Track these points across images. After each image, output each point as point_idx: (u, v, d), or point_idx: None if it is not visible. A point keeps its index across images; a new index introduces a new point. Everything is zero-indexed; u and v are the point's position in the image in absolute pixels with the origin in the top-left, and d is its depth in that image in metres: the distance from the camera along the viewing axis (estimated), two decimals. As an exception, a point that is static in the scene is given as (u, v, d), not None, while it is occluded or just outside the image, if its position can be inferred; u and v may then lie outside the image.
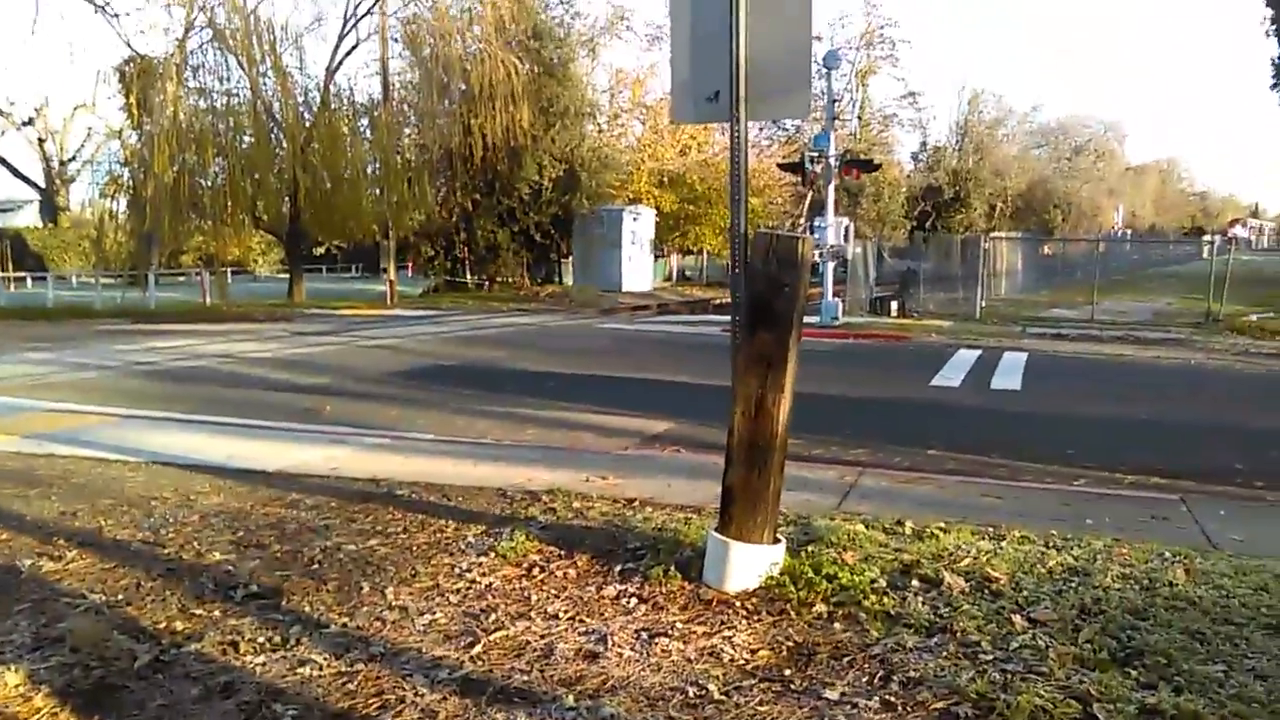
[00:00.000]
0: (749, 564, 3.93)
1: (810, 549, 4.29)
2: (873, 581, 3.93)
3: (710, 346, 16.64)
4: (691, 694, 3.04)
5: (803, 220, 41.52)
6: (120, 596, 3.94)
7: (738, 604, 3.78)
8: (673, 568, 4.09)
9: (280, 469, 6.55)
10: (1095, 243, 40.56)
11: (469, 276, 34.37)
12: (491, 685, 3.11)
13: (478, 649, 3.40)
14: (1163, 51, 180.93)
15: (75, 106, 47.06)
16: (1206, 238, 55.43)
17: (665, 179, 39.15)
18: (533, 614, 3.73)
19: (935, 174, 56.64)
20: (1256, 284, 30.20)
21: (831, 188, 21.71)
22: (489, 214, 32.04)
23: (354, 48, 30.09)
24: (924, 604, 3.73)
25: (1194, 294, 27.32)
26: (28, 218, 52.30)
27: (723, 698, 3.01)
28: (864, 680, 3.12)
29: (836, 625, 3.58)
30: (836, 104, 24.27)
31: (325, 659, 3.32)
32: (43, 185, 50.31)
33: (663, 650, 3.38)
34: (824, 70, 23.24)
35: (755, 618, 3.67)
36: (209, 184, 26.68)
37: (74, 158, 50.29)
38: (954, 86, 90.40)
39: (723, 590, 3.90)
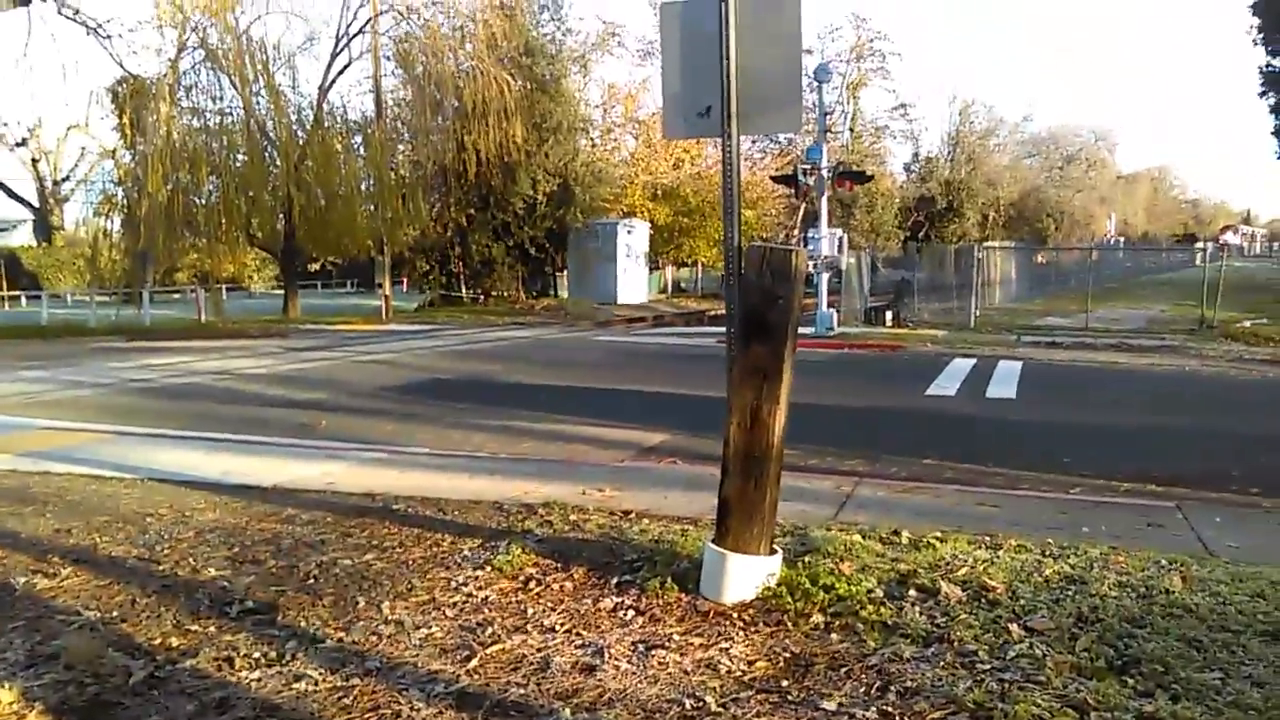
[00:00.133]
0: (746, 575, 3.93)
1: (807, 560, 4.29)
2: (870, 592, 3.93)
3: (706, 358, 16.65)
4: (689, 706, 3.03)
5: (797, 232, 41.67)
6: (115, 613, 3.93)
7: (735, 615, 3.78)
8: (669, 580, 4.08)
9: (276, 484, 6.54)
10: (1088, 251, 40.71)
11: (464, 291, 34.41)
12: (488, 699, 3.10)
13: (474, 663, 3.39)
14: (1154, 60, 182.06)
15: (69, 127, 47.05)
16: (1199, 245, 55.65)
17: (659, 192, 39.27)
18: (529, 627, 3.72)
19: (928, 184, 56.86)
20: (1249, 290, 30.34)
21: (825, 199, 21.76)
22: (483, 228, 32.11)
23: (347, 66, 30.25)
24: (921, 614, 3.73)
25: (1187, 301, 27.43)
26: (22, 237, 52.31)
27: (720, 709, 3.01)
28: (861, 691, 3.12)
29: (834, 636, 3.57)
30: (828, 116, 24.33)
31: (321, 674, 3.31)
32: (37, 205, 50.31)
33: (660, 662, 3.38)
34: (815, 83, 23.38)
35: (752, 629, 3.66)
36: (203, 202, 26.75)
37: (68, 177, 50.34)
38: (945, 97, 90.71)
39: (720, 602, 3.90)
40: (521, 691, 3.16)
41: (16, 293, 39.51)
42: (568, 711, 3.00)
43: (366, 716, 3.00)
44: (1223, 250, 23.94)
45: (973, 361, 15.90)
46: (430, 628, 3.74)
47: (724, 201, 4.82)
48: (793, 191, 24.60)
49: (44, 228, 50.29)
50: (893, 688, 3.12)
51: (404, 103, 31.30)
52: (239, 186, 26.60)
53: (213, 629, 3.75)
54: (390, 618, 3.85)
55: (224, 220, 26.47)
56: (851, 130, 48.54)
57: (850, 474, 7.14)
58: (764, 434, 3.88)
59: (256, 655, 3.48)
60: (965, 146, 58.78)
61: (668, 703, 3.06)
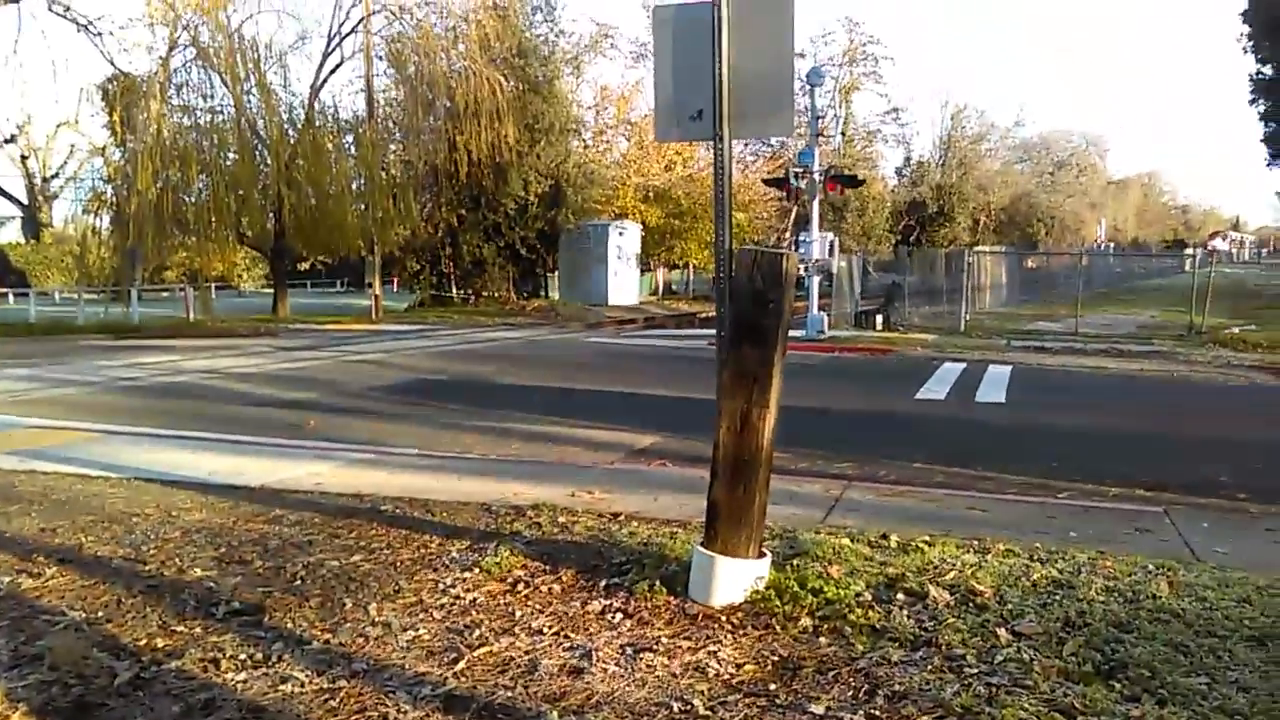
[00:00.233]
0: (734, 578, 3.93)
1: (796, 563, 4.29)
2: (858, 595, 3.93)
3: (696, 360, 16.65)
4: (676, 709, 3.03)
5: (788, 235, 41.75)
6: (100, 613, 3.90)
7: (723, 618, 3.78)
8: (658, 583, 4.07)
9: (264, 484, 6.51)
10: (1078, 256, 40.87)
11: (455, 291, 34.38)
12: (475, 702, 3.09)
13: (461, 665, 3.38)
14: (1145, 67, 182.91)
15: (58, 124, 46.86)
16: (1188, 251, 55.92)
17: (651, 194, 39.29)
18: (517, 629, 3.71)
19: (919, 189, 57.03)
20: (1238, 296, 30.49)
21: (816, 203, 21.80)
22: (474, 229, 32.08)
23: (338, 65, 30.15)
24: (909, 617, 3.73)
25: (1177, 307, 27.55)
26: (10, 234, 52.12)
27: (708, 713, 3.00)
28: (849, 694, 3.12)
29: (822, 639, 3.57)
30: (820, 120, 24.39)
31: (307, 676, 3.29)
32: (25, 202, 50.10)
33: (648, 665, 3.37)
34: (807, 87, 23.39)
35: (740, 632, 3.66)
36: (193, 200, 26.63)
37: (57, 174, 50.16)
38: (937, 102, 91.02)
39: (708, 605, 3.89)
40: (509, 694, 3.15)
41: (4, 290, 39.29)
42: (555, 714, 2.99)
43: (353, 718, 2.99)
44: (1212, 256, 24.06)
45: (963, 366, 15.94)
46: (418, 629, 3.72)
47: (715, 204, 4.82)
48: (784, 195, 24.62)
49: (32, 225, 50.08)
50: (880, 691, 3.12)
51: (396, 103, 31.25)
52: (229, 185, 26.48)
53: (199, 630, 3.73)
54: (377, 619, 3.83)
55: (214, 218, 26.35)
56: (843, 134, 48.69)
57: (839, 477, 7.15)
58: (754, 437, 3.88)
59: (243, 656, 3.46)
60: (957, 151, 58.99)
61: (655, 705, 3.05)
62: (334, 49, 29.51)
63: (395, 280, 38.64)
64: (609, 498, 6.10)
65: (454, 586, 4.21)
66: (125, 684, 3.23)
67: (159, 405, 11.44)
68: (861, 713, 2.98)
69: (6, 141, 46.79)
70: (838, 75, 47.62)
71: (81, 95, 36.10)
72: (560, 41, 35.32)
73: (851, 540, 4.80)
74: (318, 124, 29.18)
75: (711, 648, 3.51)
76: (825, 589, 3.94)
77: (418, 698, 3.13)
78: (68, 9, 26.84)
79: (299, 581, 4.32)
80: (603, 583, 4.20)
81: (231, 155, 27.10)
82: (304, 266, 43.24)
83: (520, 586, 4.20)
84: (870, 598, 3.92)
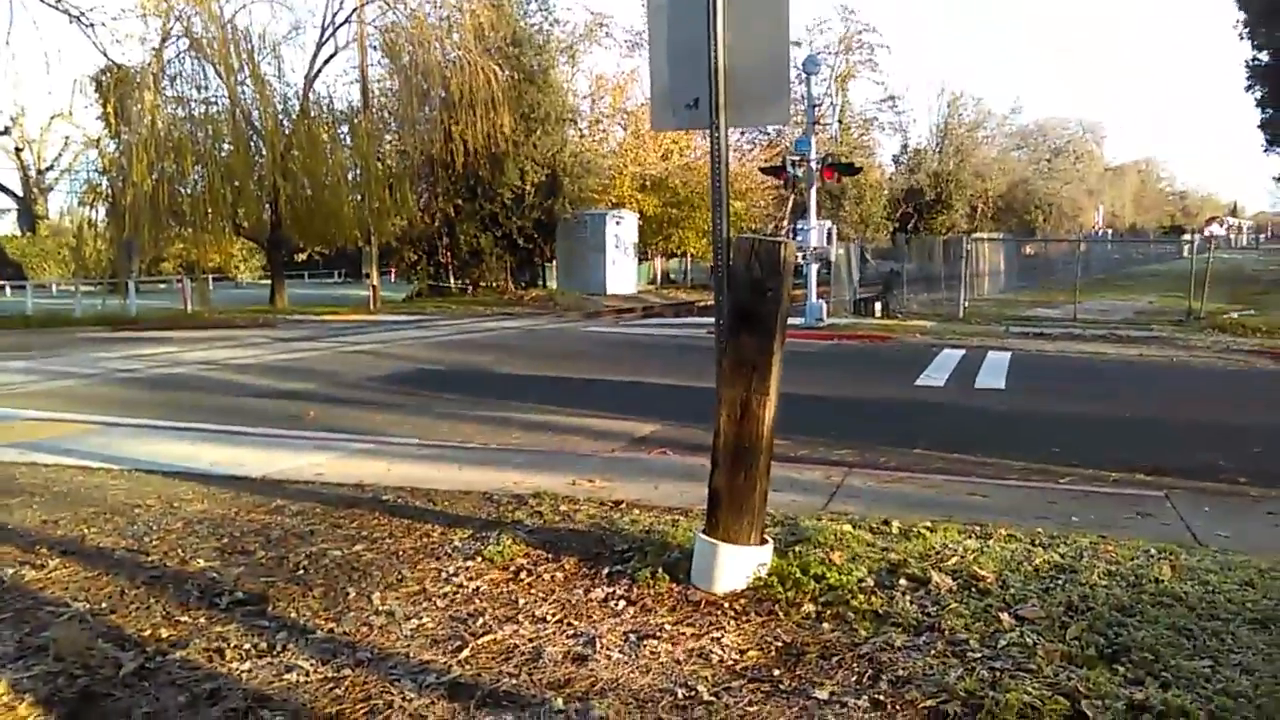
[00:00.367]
0: (737, 565, 3.93)
1: (798, 549, 4.29)
2: (860, 581, 3.93)
3: (695, 349, 16.65)
4: (680, 695, 3.03)
5: (785, 223, 41.68)
6: (104, 605, 3.90)
7: (726, 605, 3.78)
8: (660, 570, 4.08)
9: (265, 475, 6.51)
10: (1076, 243, 40.84)
11: (452, 281, 34.33)
12: (479, 689, 3.09)
13: (465, 653, 3.39)
14: (1143, 52, 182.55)
15: (52, 116, 46.75)
16: (1186, 236, 55.90)
17: (648, 183, 39.19)
18: (520, 617, 3.72)
19: (916, 176, 56.94)
20: (1236, 282, 30.47)
21: (813, 191, 21.78)
22: (472, 219, 32.02)
23: (332, 56, 30.09)
24: (912, 603, 3.74)
25: (1175, 292, 27.57)
26: (5, 226, 52.09)
27: (712, 699, 3.01)
28: (853, 679, 3.12)
29: (825, 625, 3.58)
30: (817, 108, 24.34)
31: (312, 665, 3.30)
32: (20, 194, 49.97)
33: (651, 652, 3.38)
34: (803, 75, 23.36)
35: (744, 618, 3.66)
36: (189, 191, 26.58)
37: (51, 166, 50.01)
38: (934, 89, 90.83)
39: (711, 592, 3.90)
40: (513, 681, 3.16)
41: (1, 283, 39.24)
42: (560, 701, 2.99)
43: (358, 707, 2.99)
44: (1209, 242, 24.05)
45: (961, 352, 15.95)
46: (421, 618, 3.73)
47: (712, 193, 4.80)
48: (781, 183, 24.66)
49: (28, 217, 49.97)
50: (884, 676, 3.12)
51: (391, 93, 31.18)
52: (225, 176, 26.42)
53: (202, 620, 3.73)
54: (381, 608, 3.84)
55: (210, 210, 26.29)
56: (840, 122, 48.54)
57: (840, 464, 7.15)
58: (754, 425, 3.88)
59: (247, 646, 3.47)
60: (954, 138, 58.87)
61: (659, 692, 3.06)
62: (328, 39, 29.45)
63: (393, 271, 38.61)
64: (610, 486, 6.10)
65: (457, 575, 4.22)
66: (130, 674, 3.23)
67: (158, 397, 11.43)
68: (865, 697, 2.98)
69: (1, 134, 46.65)
70: (834, 63, 47.55)
71: (75, 87, 36.08)
72: (555, 30, 35.24)
73: (853, 526, 4.81)
74: (313, 114, 29.10)
75: (715, 634, 3.51)
76: (828, 575, 3.95)
77: (422, 686, 3.13)
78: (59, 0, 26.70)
79: (302, 571, 4.32)
80: (605, 570, 4.21)
81: (226, 146, 27.04)
82: (301, 257, 43.21)
83: (523, 574, 4.21)
84: (873, 583, 3.93)
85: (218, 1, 26.13)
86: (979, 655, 3.26)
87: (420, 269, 34.20)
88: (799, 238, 21.68)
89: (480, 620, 3.69)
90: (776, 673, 3.19)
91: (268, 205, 28.64)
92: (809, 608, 3.72)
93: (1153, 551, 4.48)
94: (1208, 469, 7.19)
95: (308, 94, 29.17)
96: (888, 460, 7.49)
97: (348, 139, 29.98)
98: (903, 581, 3.97)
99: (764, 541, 4.06)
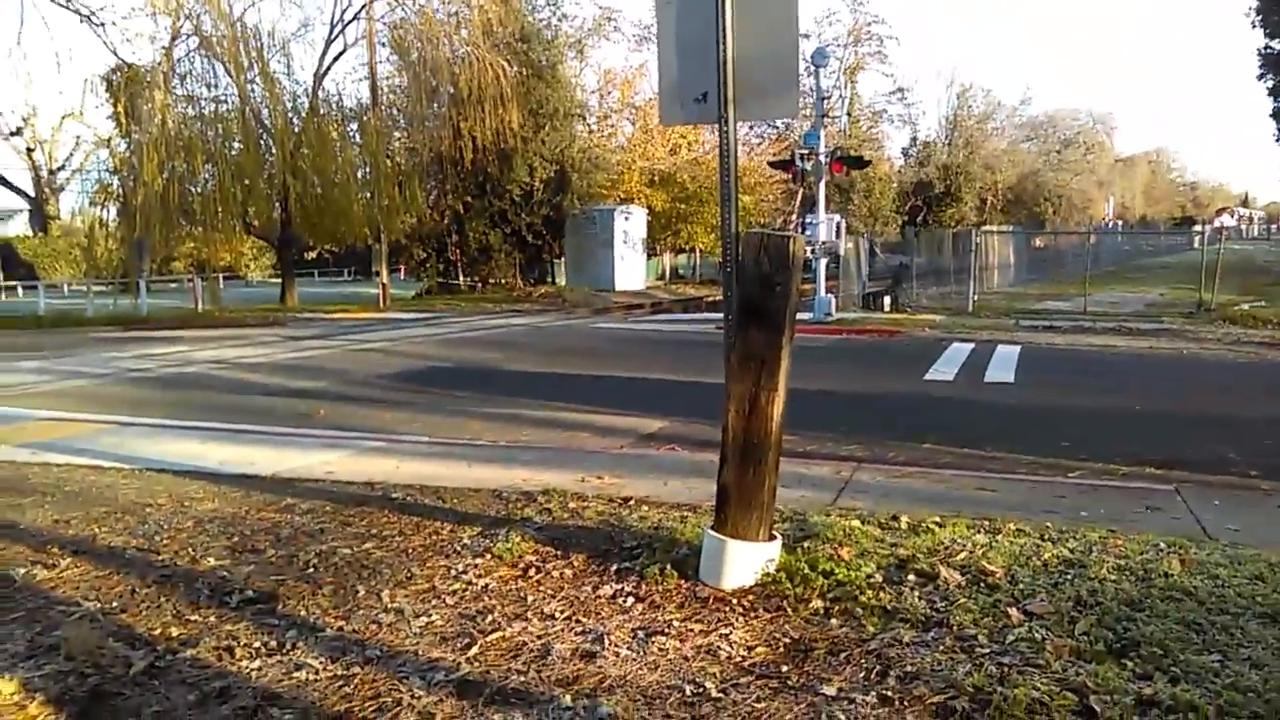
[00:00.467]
0: (745, 561, 3.93)
1: (806, 545, 4.29)
2: (869, 577, 3.93)
3: (704, 344, 16.65)
4: (689, 692, 3.04)
5: (794, 217, 41.61)
6: (115, 603, 3.93)
7: (734, 601, 3.78)
8: (669, 566, 4.08)
9: (275, 474, 6.53)
10: (1086, 235, 40.63)
11: (461, 278, 34.38)
12: (489, 686, 3.10)
13: (474, 650, 3.40)
14: (1154, 42, 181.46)
15: (63, 116, 46.94)
16: (1197, 228, 55.61)
17: (656, 178, 39.20)
18: (529, 614, 3.73)
19: (925, 169, 56.81)
20: (1248, 273, 30.34)
21: (822, 184, 21.73)
22: (480, 216, 32.07)
23: (341, 53, 30.15)
24: (920, 598, 3.73)
25: (1185, 284, 27.43)
26: (18, 227, 52.25)
27: (720, 695, 3.01)
28: (861, 675, 3.12)
29: (833, 621, 3.58)
30: (826, 101, 24.29)
31: (321, 663, 3.31)
32: (32, 194, 50.16)
33: (660, 649, 3.38)
34: (812, 68, 23.28)
35: (752, 615, 3.66)
36: (199, 190, 26.69)
37: (63, 167, 50.18)
38: (943, 81, 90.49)
39: (719, 588, 3.90)
40: (522, 679, 3.17)
41: (13, 283, 39.47)
42: (568, 698, 3.00)
43: (367, 705, 3.01)
44: (1220, 233, 23.91)
45: (971, 346, 15.91)
46: (430, 616, 3.74)
47: (721, 187, 4.80)
48: (790, 177, 24.55)
49: (40, 217, 50.19)
50: (892, 672, 3.12)
51: (399, 89, 31.23)
52: (235, 174, 26.51)
53: (213, 618, 3.75)
54: (390, 606, 3.85)
55: (220, 208, 26.39)
56: (849, 115, 48.45)
57: (849, 459, 7.15)
58: (762, 420, 3.88)
59: (257, 644, 3.48)
60: (963, 130, 58.70)
61: (668, 689, 3.06)
62: (337, 36, 29.52)
63: (402, 268, 38.68)
64: (619, 483, 6.11)
65: (466, 572, 4.23)
66: (140, 673, 3.25)
67: (169, 396, 11.49)
68: (873, 693, 2.98)
69: (12, 134, 46.86)
70: (842, 56, 47.36)
71: (86, 86, 36.11)
72: (563, 25, 35.26)
73: (862, 522, 4.81)
74: (322, 112, 29.17)
75: (723, 630, 3.52)
76: (836, 571, 3.95)
77: (431, 683, 3.14)
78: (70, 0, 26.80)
79: (311, 569, 4.34)
80: (614, 567, 4.21)
81: (236, 145, 27.14)
82: (311, 255, 43.35)
83: (532, 572, 4.22)
84: (881, 579, 3.92)
85: None
86: (987, 650, 3.25)
87: (429, 266, 34.27)
88: (808, 232, 21.62)
89: (489, 617, 3.70)
90: (784, 669, 3.19)
91: (278, 203, 28.74)
92: (817, 604, 3.72)
93: (1162, 546, 4.47)
94: (1218, 462, 7.16)
95: (317, 91, 29.25)
96: (896, 455, 7.48)
97: (357, 136, 30.06)
98: (911, 577, 3.96)
99: (772, 537, 4.06)
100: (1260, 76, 37.59)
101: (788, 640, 3.42)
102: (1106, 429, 8.79)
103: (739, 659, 3.28)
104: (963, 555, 4.25)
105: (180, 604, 3.91)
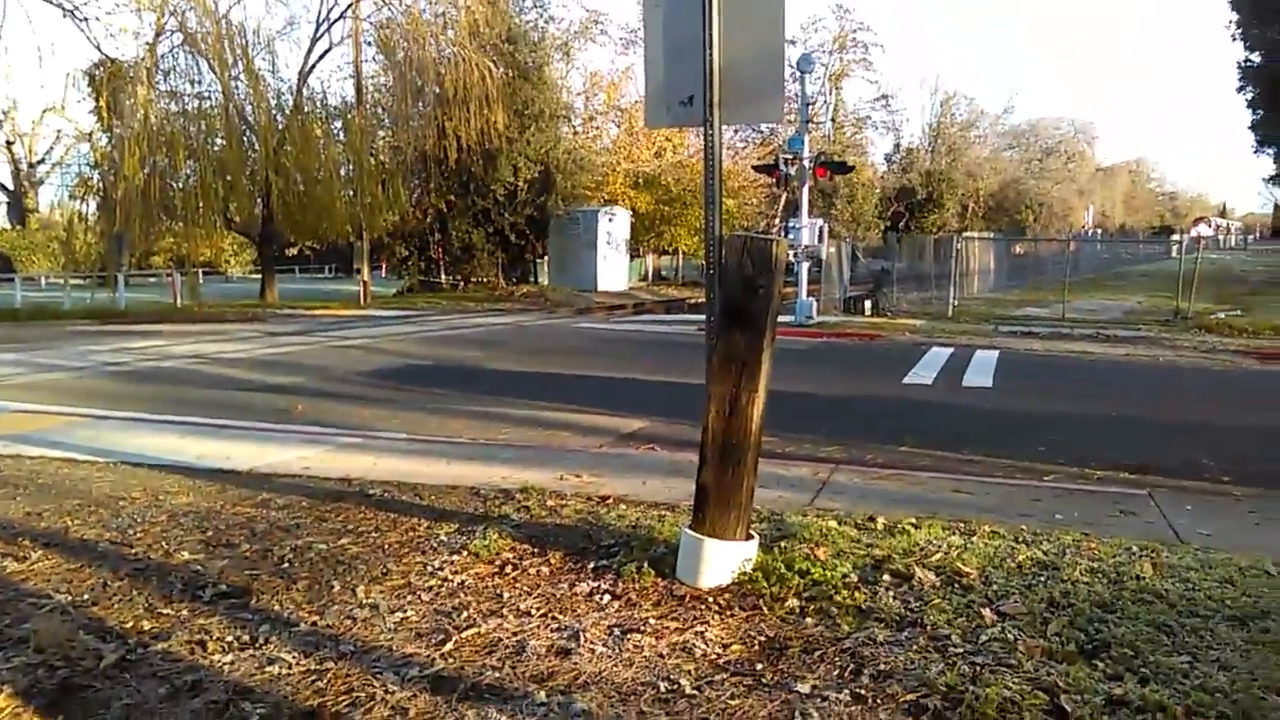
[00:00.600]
0: (722, 560, 3.94)
1: (783, 545, 4.31)
2: (844, 576, 3.94)
3: (685, 345, 16.67)
4: (663, 689, 3.04)
5: (778, 221, 41.72)
6: (86, 596, 3.89)
7: (711, 600, 3.79)
8: (646, 564, 4.08)
9: (251, 469, 6.50)
10: (1066, 242, 40.95)
11: (444, 277, 34.28)
12: (463, 682, 3.10)
13: (449, 646, 3.39)
14: (1136, 54, 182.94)
15: (44, 109, 46.61)
16: (1175, 237, 56.07)
17: (641, 180, 39.22)
18: (505, 611, 3.72)
19: (908, 175, 57.15)
20: (1224, 282, 30.61)
21: (806, 189, 21.79)
22: (464, 215, 31.99)
23: (327, 51, 30.01)
24: (895, 598, 3.75)
25: (1163, 292, 27.64)
26: (-4, 220, 51.74)
27: (694, 692, 3.02)
28: (835, 673, 3.14)
29: (808, 620, 3.59)
30: (810, 107, 24.32)
31: (294, 657, 3.29)
32: (11, 187, 49.78)
33: (635, 646, 3.38)
34: (798, 74, 23.37)
35: (728, 613, 3.67)
36: (180, 186, 26.51)
37: (43, 160, 49.86)
38: (927, 89, 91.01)
39: (696, 586, 3.91)
40: (497, 674, 3.16)
41: (-10, 276, 39.05)
42: (543, 694, 3.00)
43: (340, 700, 3.00)
44: (1198, 242, 24.12)
45: (950, 350, 16.00)
46: (405, 611, 3.73)
47: (706, 190, 4.81)
48: (774, 181, 24.66)
49: (18, 210, 49.76)
50: (866, 671, 3.14)
51: (385, 88, 31.13)
52: (217, 170, 26.33)
53: (185, 612, 3.73)
54: (365, 601, 3.83)
55: (201, 204, 26.23)
56: (833, 121, 48.73)
57: (827, 461, 7.17)
58: (742, 421, 3.89)
59: (229, 639, 3.46)
60: (946, 138, 59.10)
61: (642, 685, 3.07)
62: (322, 34, 29.39)
63: (384, 266, 38.54)
64: (597, 481, 6.11)
65: (442, 569, 4.22)
66: (111, 666, 3.23)
67: (146, 390, 11.40)
68: (847, 691, 3.00)
69: (-9, 127, 46.45)
70: (828, 62, 47.68)
71: (68, 81, 35.82)
72: (550, 27, 35.25)
73: (838, 522, 4.82)
74: (306, 110, 29.01)
75: (699, 628, 3.52)
76: (812, 570, 3.96)
77: (405, 679, 3.13)
78: (53, -7, 26.55)
79: (286, 564, 4.32)
80: (591, 565, 4.21)
81: (219, 141, 26.95)
82: (292, 252, 43.13)
83: (508, 569, 4.21)
84: (856, 579, 3.94)
85: (212, -4, 26.06)
86: (960, 650, 3.27)
87: (411, 264, 34.14)
88: (791, 235, 21.69)
89: (464, 614, 3.70)
90: (759, 667, 3.20)
91: (259, 200, 28.58)
92: (793, 603, 3.73)
93: (1135, 549, 4.50)
94: (1192, 468, 7.23)
95: (301, 89, 29.10)
96: (874, 457, 7.51)
97: (341, 134, 29.93)
98: (886, 577, 3.98)
99: (750, 537, 4.07)
100: (1240, 89, 38.06)
101: (763, 638, 3.43)
102: (1082, 434, 8.85)
103: (714, 656, 3.29)
104: (938, 556, 4.27)
105: (153, 598, 3.88)
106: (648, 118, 5.74)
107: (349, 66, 29.55)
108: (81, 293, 27.16)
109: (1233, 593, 3.87)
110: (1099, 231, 75.79)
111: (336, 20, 29.28)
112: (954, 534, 4.70)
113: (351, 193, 28.80)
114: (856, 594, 3.77)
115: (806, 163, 21.23)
